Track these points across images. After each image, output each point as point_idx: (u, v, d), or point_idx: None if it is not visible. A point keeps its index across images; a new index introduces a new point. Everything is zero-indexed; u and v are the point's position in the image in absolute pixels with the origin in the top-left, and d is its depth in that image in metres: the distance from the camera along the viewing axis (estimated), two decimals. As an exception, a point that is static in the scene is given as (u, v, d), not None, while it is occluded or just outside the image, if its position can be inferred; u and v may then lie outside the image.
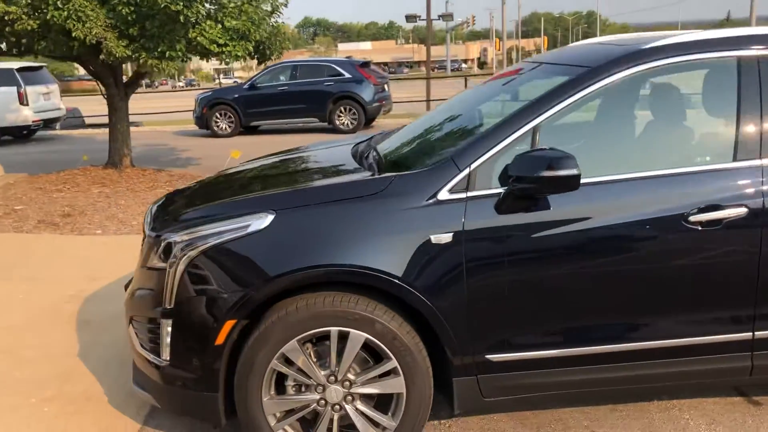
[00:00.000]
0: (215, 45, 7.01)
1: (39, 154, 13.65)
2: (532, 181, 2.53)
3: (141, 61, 6.98)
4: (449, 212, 2.67)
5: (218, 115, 15.71)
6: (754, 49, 2.79)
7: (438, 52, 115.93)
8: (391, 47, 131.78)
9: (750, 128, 2.73)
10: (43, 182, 8.53)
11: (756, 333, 2.74)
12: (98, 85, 8.83)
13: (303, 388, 2.79)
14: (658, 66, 2.78)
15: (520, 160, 2.58)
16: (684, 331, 2.73)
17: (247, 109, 15.62)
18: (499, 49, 66.42)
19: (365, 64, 16.21)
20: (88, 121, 21.59)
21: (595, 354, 2.73)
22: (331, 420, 2.79)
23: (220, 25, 7.05)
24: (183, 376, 2.83)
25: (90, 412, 3.40)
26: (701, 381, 2.84)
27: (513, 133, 2.71)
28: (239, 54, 7.16)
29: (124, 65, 8.33)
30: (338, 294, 2.70)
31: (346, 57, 17.53)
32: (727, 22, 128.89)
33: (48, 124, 16.85)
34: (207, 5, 6.80)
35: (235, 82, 58.10)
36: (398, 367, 2.73)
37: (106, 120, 19.81)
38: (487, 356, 2.74)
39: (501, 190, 2.67)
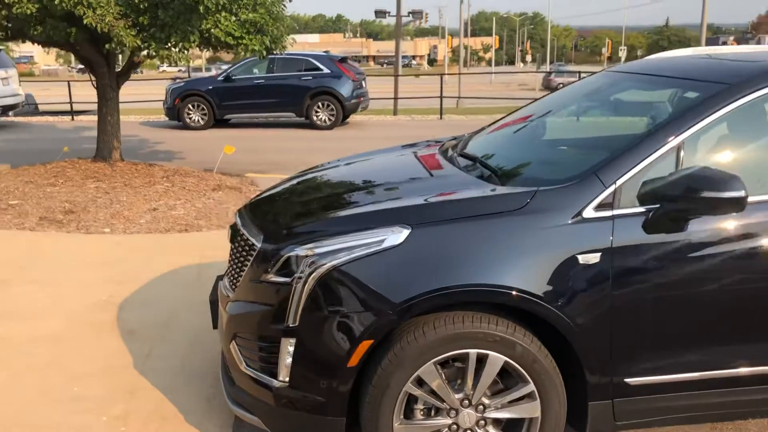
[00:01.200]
0: (231, 38, 6.73)
1: (5, 143, 12.97)
2: (693, 202, 2.45)
3: (151, 51, 6.64)
4: (596, 231, 2.57)
5: (191, 107, 15.25)
6: None
7: (386, 47, 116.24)
8: (340, 41, 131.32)
9: None
10: (32, 175, 8.05)
11: None
12: (89, 74, 8.39)
13: (433, 412, 2.66)
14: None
15: (679, 179, 2.50)
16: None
17: (222, 102, 15.20)
18: (451, 47, 66.95)
19: (343, 60, 16.00)
20: (42, 108, 20.72)
21: (734, 377, 2.69)
22: (462, 445, 2.66)
23: (234, 17, 6.77)
24: (305, 399, 2.65)
25: (170, 431, 3.18)
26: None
27: (658, 149, 2.63)
28: (256, 48, 6.88)
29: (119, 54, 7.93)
30: (476, 314, 2.57)
31: (324, 51, 17.24)
32: (666, 28, 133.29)
33: (6, 110, 16.05)
34: (221, -4, 6.49)
35: (180, 71, 56.77)
36: (535, 390, 2.62)
37: (62, 108, 19.13)
38: (626, 379, 2.66)
39: (645, 208, 2.58)
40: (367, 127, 16.49)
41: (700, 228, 2.56)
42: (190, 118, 15.27)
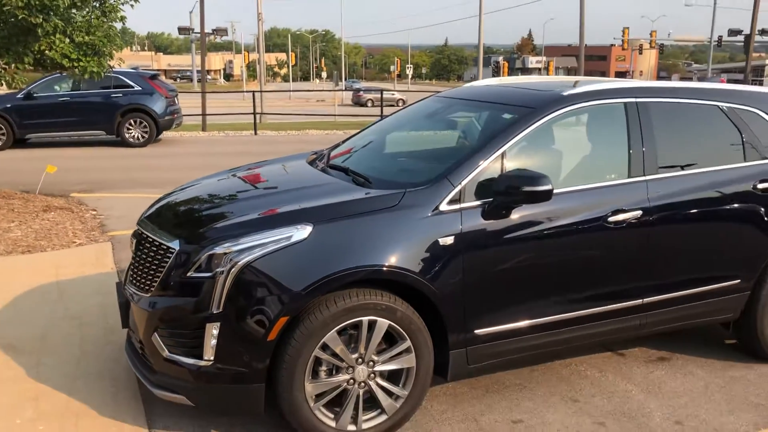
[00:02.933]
0: (67, 59, 6.77)
1: None
2: (517, 194, 3.37)
3: (-20, 72, 6.50)
4: (450, 220, 3.40)
5: (-15, 127, 14.27)
6: (632, 97, 3.94)
7: (178, 61, 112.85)
8: (127, 54, 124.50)
9: (636, 153, 3.86)
10: None
11: (644, 299, 3.88)
12: None
13: (334, 371, 3.31)
14: (580, 107, 3.80)
15: (505, 178, 3.42)
16: (607, 299, 3.77)
17: (23, 121, 14.42)
18: (247, 62, 66.90)
19: (154, 76, 15.89)
20: None
21: (552, 321, 3.65)
22: (357, 396, 3.35)
23: (68, 39, 6.82)
24: (228, 372, 3.18)
25: (88, 425, 3.50)
26: (615, 336, 3.93)
27: (489, 156, 3.53)
28: (95, 69, 6.97)
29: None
30: (367, 290, 3.28)
31: (133, 68, 16.92)
32: (446, 48, 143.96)
33: None
34: (57, 19, 6.53)
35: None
36: (411, 346, 3.39)
37: None
38: (475, 331, 3.52)
39: (482, 201, 3.46)
40: (182, 144, 16.50)
41: (522, 213, 3.50)
42: (-16, 139, 14.29)
